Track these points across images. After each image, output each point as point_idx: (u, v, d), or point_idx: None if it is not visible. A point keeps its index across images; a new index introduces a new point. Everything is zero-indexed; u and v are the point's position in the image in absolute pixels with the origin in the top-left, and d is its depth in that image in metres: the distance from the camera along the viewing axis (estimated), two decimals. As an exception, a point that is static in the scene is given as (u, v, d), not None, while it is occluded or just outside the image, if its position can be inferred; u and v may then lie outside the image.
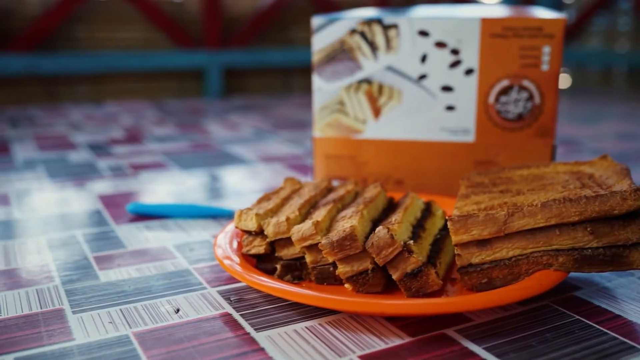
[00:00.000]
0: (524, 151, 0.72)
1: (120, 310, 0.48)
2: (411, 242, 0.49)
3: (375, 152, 0.76)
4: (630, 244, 0.47)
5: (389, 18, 0.72)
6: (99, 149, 1.12)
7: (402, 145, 0.75)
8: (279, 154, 1.08)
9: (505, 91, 0.71)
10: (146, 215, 0.73)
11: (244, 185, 0.87)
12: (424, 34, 0.71)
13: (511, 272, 0.49)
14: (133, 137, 1.24)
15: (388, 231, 0.48)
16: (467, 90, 0.72)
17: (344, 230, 0.49)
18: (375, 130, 0.75)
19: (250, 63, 1.99)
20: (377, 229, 0.48)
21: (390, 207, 0.60)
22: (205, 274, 0.56)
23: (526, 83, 0.70)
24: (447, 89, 0.72)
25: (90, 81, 1.79)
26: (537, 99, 0.70)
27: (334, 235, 0.49)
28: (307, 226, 0.50)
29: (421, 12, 0.82)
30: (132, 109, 1.66)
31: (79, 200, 0.79)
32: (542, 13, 0.73)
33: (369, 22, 0.72)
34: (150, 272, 0.56)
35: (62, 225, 0.69)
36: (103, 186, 0.86)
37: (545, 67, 0.69)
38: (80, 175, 0.92)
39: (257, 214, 0.53)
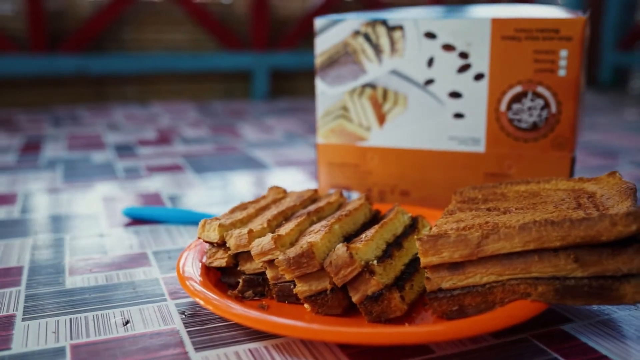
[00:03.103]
0: (539, 164, 0.66)
1: (70, 319, 0.47)
2: (375, 262, 0.45)
3: (380, 161, 0.72)
4: (620, 275, 0.41)
5: (393, 19, 0.68)
6: (125, 149, 1.13)
7: (408, 155, 0.71)
8: (300, 159, 1.05)
9: (518, 98, 0.65)
10: (140, 220, 0.71)
11: (249, 191, 0.85)
12: (430, 35, 0.67)
13: (485, 300, 0.44)
14: (163, 139, 1.25)
15: (347, 249, 0.44)
16: (476, 97, 0.66)
17: (301, 247, 0.45)
18: (380, 137, 0.71)
19: (297, 65, 1.97)
20: (337, 247, 0.45)
21: (374, 221, 0.56)
22: (171, 284, 0.54)
23: (541, 90, 0.64)
24: (455, 95, 0.67)
25: (138, 82, 1.82)
26: (553, 108, 0.64)
27: (292, 251, 0.46)
28: (266, 240, 0.47)
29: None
30: (175, 110, 1.68)
31: (81, 202, 0.79)
32: (563, 13, 0.66)
33: (372, 23, 0.68)
34: (119, 279, 0.55)
35: (54, 227, 0.69)
36: (111, 188, 0.86)
37: (562, 72, 0.63)
38: (94, 176, 0.93)
39: (220, 225, 0.50)
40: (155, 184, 0.88)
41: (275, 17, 1.96)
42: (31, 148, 1.14)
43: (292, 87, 2.03)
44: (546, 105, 0.64)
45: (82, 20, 1.72)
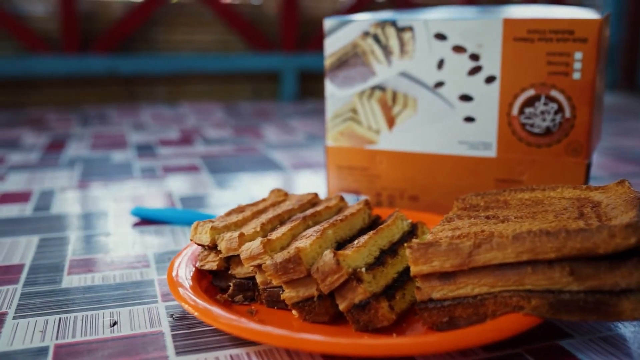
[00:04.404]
0: (552, 170, 0.64)
1: (59, 319, 0.47)
2: (363, 269, 0.44)
3: (388, 165, 0.71)
4: (618, 290, 0.39)
5: (403, 20, 0.66)
6: (145, 149, 1.14)
7: (417, 159, 0.69)
8: (317, 161, 1.04)
9: (530, 102, 0.63)
10: (148, 220, 0.72)
11: (257, 193, 0.84)
12: (440, 37, 0.65)
13: (476, 312, 0.42)
14: (185, 139, 1.25)
15: (334, 256, 0.43)
16: (488, 100, 0.64)
17: (289, 252, 0.44)
18: (389, 141, 0.70)
19: (326, 67, 1.96)
20: (324, 253, 0.44)
21: (373, 227, 0.55)
22: (165, 286, 0.53)
23: (554, 93, 0.62)
24: (466, 98, 0.65)
25: (167, 82, 1.84)
26: (567, 112, 0.62)
27: (279, 256, 0.45)
28: (255, 244, 0.47)
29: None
30: (202, 110, 1.69)
31: (92, 201, 0.80)
32: (581, 14, 0.64)
33: (382, 24, 0.67)
34: (115, 280, 0.55)
35: (62, 226, 0.70)
36: (124, 187, 0.87)
37: (576, 75, 0.61)
38: (111, 175, 0.94)
39: (212, 228, 0.50)
40: (169, 184, 0.88)
41: (305, 18, 1.96)
42: (55, 147, 1.16)
43: (321, 88, 2.02)
44: (560, 109, 0.62)
45: (113, 21, 1.75)
